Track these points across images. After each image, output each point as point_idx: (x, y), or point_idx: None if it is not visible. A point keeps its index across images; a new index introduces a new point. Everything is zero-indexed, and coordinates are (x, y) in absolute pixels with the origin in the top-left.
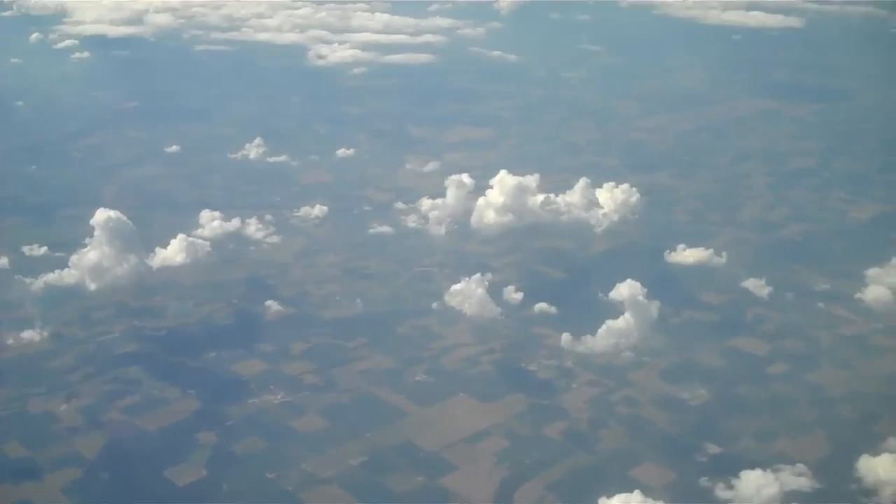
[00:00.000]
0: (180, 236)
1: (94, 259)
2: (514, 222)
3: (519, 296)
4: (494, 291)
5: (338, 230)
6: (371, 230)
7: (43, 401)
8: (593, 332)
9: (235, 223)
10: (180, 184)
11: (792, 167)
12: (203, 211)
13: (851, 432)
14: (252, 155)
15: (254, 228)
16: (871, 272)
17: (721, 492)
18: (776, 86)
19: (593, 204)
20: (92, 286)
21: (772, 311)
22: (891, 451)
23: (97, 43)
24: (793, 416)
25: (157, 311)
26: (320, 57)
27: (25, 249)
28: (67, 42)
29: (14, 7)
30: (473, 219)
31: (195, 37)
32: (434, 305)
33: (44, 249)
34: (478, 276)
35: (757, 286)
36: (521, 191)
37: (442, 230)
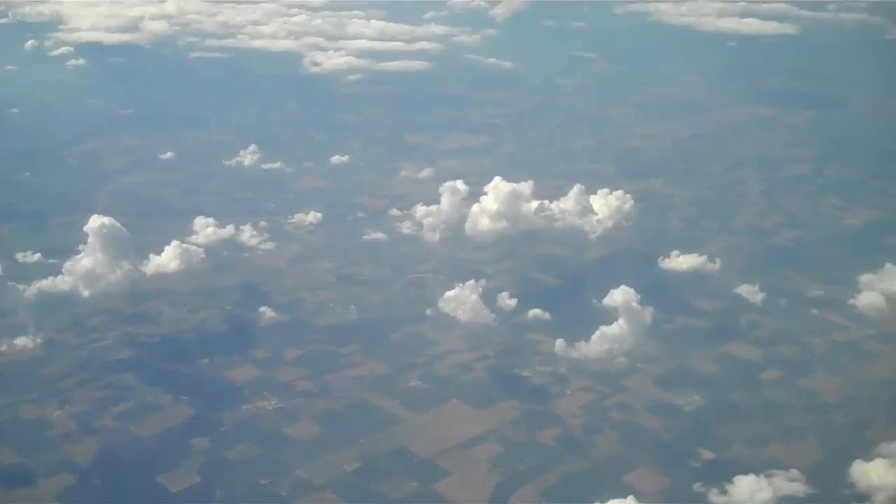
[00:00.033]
0: (174, 243)
1: (87, 266)
2: (509, 229)
3: (513, 302)
4: (488, 298)
5: (332, 237)
6: (365, 237)
7: (36, 407)
8: (587, 339)
9: (230, 230)
10: (174, 190)
11: (786, 174)
12: (197, 217)
13: (844, 438)
14: (247, 161)
15: (248, 235)
16: (865, 278)
17: (715, 497)
18: (771, 93)
19: (587, 210)
20: (86, 293)
21: (765, 317)
22: (884, 457)
23: (92, 50)
24: (786, 422)
25: (151, 318)
26: (315, 64)
27: (19, 256)
28: (63, 49)
29: (9, 14)
30: (468, 225)
31: (190, 44)
32: (428, 312)
33: (37, 256)
34: (472, 282)
35: (750, 292)
36: (516, 197)
37: (436, 237)
